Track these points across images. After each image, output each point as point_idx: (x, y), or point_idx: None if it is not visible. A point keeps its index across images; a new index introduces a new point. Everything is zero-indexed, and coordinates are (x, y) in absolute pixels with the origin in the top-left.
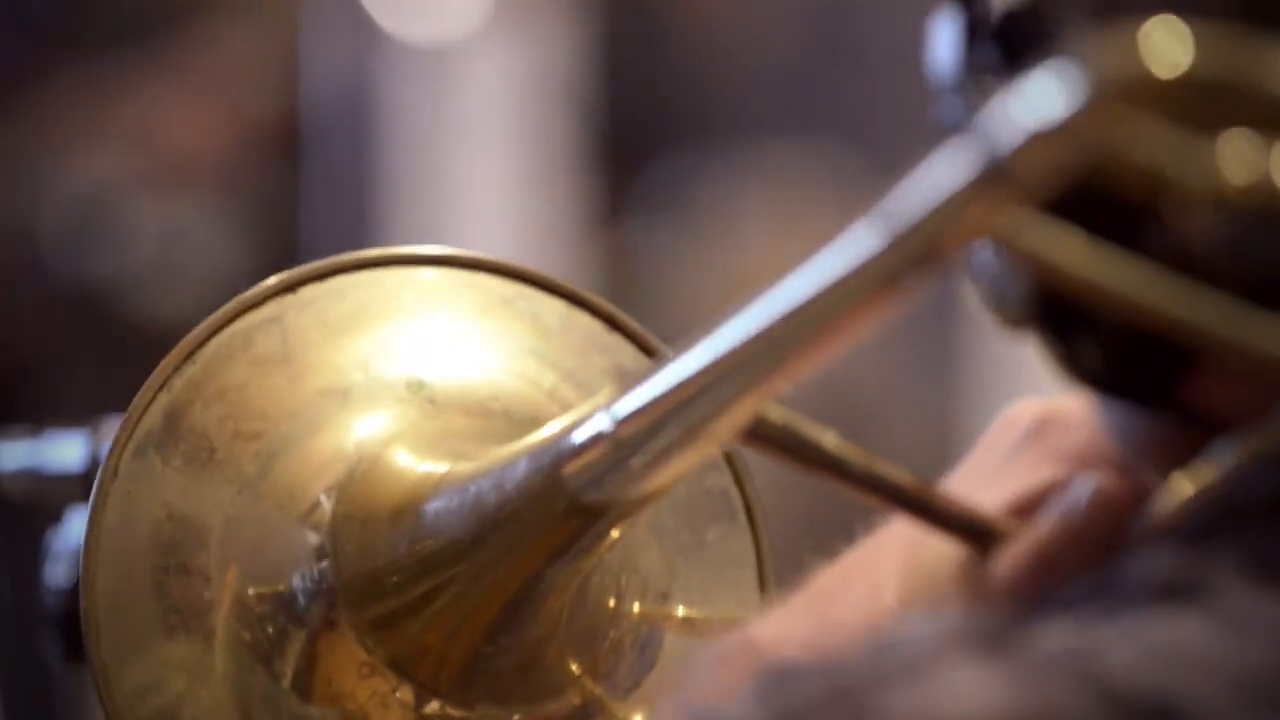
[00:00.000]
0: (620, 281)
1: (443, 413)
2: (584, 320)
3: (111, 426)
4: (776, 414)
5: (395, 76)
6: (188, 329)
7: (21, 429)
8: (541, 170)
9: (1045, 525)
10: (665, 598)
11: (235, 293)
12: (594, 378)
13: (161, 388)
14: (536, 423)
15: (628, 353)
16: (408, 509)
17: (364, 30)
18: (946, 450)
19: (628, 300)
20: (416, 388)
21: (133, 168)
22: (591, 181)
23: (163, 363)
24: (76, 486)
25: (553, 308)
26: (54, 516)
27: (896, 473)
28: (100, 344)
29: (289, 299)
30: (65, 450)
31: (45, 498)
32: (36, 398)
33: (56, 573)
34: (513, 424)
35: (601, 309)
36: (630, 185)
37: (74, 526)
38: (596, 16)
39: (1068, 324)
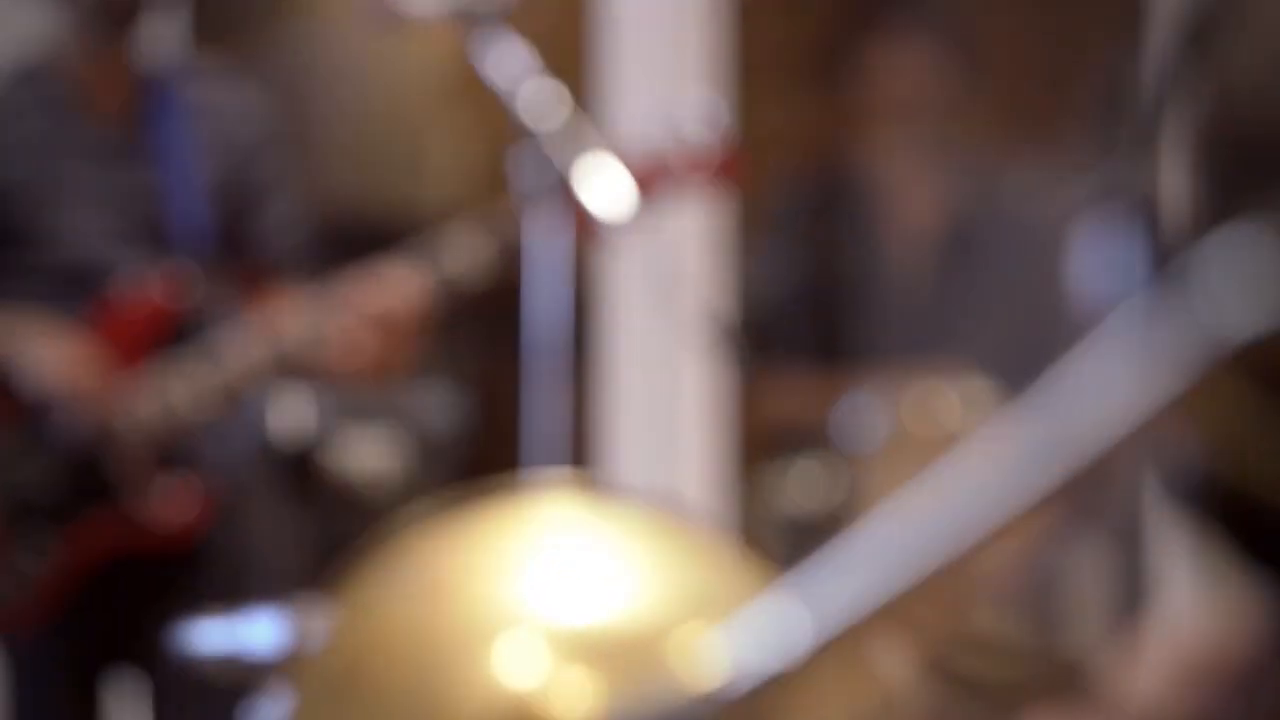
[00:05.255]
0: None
1: (592, 647)
2: (719, 560)
3: (307, 604)
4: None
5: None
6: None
7: (219, 606)
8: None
9: None
10: None
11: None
12: (732, 611)
13: (333, 638)
14: (675, 657)
15: (761, 586)
16: None
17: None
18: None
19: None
20: (565, 622)
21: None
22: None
23: (334, 602)
24: (271, 668)
25: (688, 541)
26: (249, 696)
27: (1067, 674)
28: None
29: (443, 529)
30: (261, 632)
31: (242, 680)
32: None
33: None
34: (654, 660)
35: (735, 542)
36: (765, 395)
37: (267, 705)
38: (738, 223)
39: (1249, 517)
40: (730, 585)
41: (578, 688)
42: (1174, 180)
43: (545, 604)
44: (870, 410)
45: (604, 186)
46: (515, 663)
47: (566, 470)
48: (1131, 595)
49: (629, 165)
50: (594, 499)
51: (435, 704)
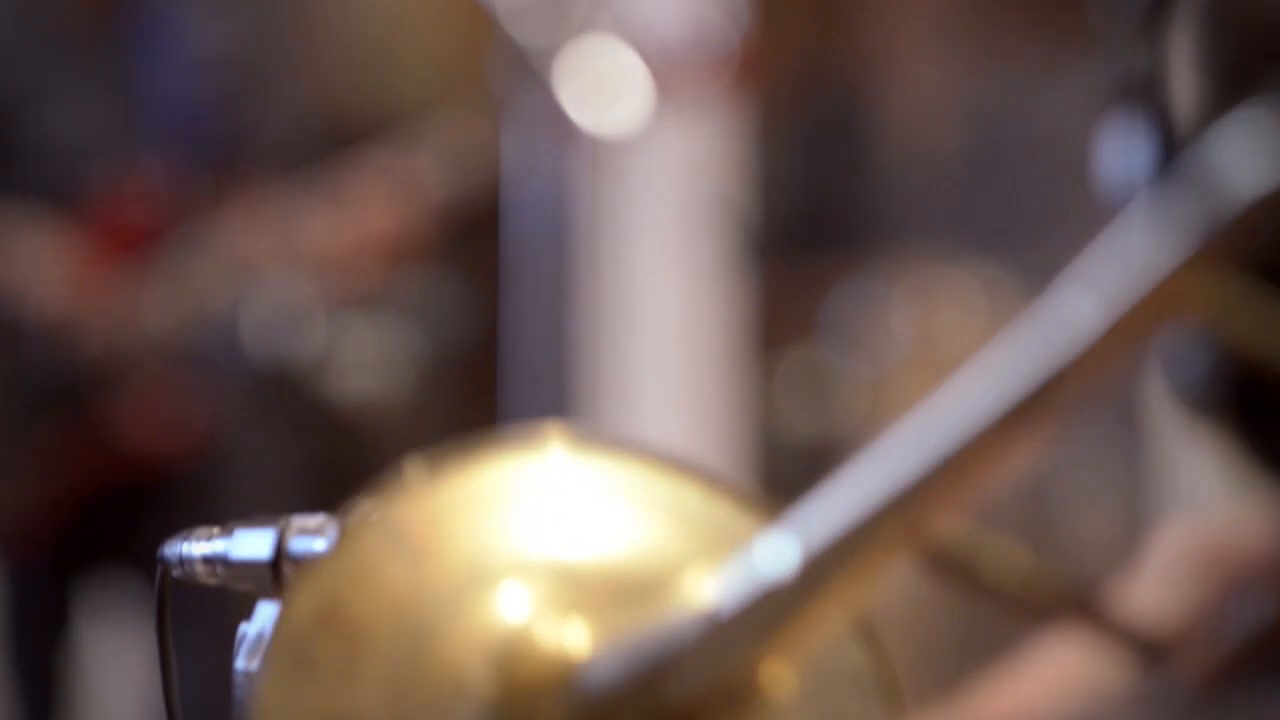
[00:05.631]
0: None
1: (584, 590)
2: (723, 504)
3: (298, 524)
4: (955, 537)
5: (583, 164)
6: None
7: (210, 529)
8: (699, 259)
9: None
10: None
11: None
12: (735, 548)
13: (313, 581)
14: (675, 603)
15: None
16: (567, 681)
17: (558, 124)
18: (1136, 524)
19: (778, 412)
20: (558, 567)
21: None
22: (744, 286)
23: (318, 558)
24: (266, 574)
25: (692, 492)
26: (245, 604)
27: (1068, 586)
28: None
29: (435, 482)
30: (255, 544)
31: (236, 590)
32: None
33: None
34: (652, 607)
35: (740, 493)
36: (781, 294)
37: (262, 615)
38: (756, 119)
39: (1261, 409)
40: (734, 524)
41: (568, 629)
42: (1181, 69)
43: (537, 550)
44: (889, 310)
45: (620, 86)
46: (505, 606)
47: (561, 420)
48: (1136, 499)
49: (646, 64)
50: (589, 445)
51: (421, 642)
